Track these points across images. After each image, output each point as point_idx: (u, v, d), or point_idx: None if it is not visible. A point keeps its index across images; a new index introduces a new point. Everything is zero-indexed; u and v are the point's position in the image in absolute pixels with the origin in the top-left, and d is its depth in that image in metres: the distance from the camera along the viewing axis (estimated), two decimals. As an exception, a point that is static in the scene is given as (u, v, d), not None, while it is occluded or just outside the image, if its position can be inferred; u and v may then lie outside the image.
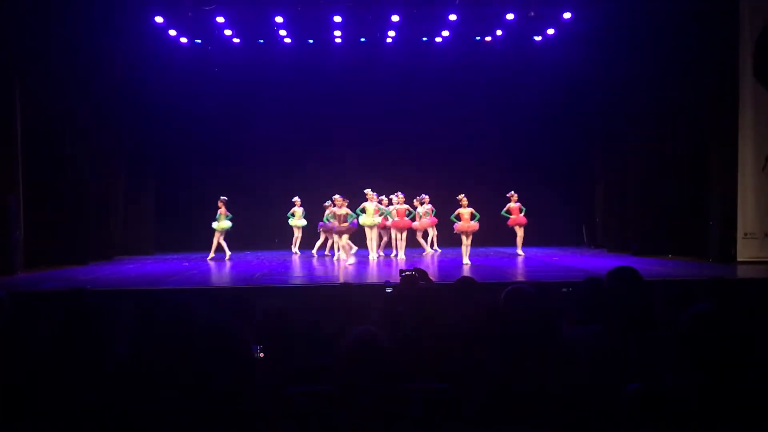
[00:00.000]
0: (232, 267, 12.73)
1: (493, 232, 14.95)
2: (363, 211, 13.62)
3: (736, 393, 2.13)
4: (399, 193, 14.04)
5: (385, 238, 14.55)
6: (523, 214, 14.06)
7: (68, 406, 2.42)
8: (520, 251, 14.11)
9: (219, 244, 14.16)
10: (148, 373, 2.57)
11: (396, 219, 13.75)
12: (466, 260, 12.53)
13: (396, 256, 13.75)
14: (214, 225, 14.12)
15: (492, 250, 15.31)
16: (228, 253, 14.21)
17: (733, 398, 2.13)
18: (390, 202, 14.19)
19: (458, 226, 12.99)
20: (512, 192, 14.16)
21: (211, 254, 14.08)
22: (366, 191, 13.80)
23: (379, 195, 14.11)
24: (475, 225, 12.98)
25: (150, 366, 2.62)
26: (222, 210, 14.08)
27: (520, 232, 14.13)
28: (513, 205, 14.04)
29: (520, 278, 10.08)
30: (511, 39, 16.05)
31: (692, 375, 2.15)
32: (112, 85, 14.42)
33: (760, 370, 2.71)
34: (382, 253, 14.33)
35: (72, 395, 2.50)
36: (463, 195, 13.21)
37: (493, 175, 16.76)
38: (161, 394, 2.36)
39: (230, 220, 14.14)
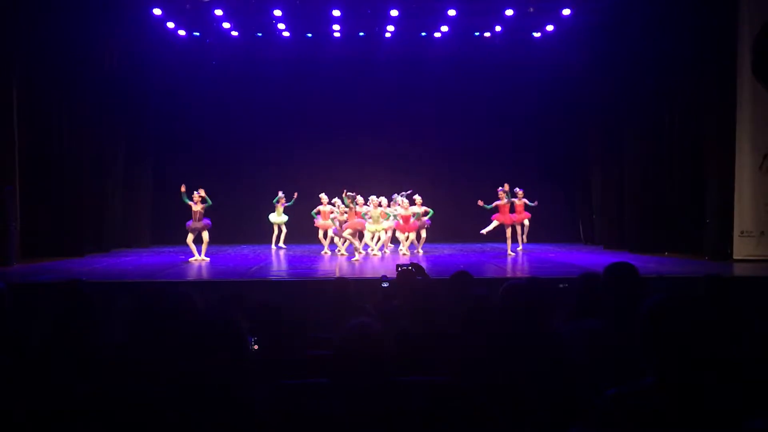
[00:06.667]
0: (229, 260, 12.72)
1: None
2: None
3: (718, 391, 2.13)
4: (404, 198, 13.88)
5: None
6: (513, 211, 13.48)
7: (65, 396, 2.42)
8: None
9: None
10: (143, 364, 2.57)
11: (401, 222, 13.70)
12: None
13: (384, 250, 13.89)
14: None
15: (488, 246, 15.32)
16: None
17: (715, 396, 2.13)
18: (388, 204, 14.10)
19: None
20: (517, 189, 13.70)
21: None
22: (371, 198, 13.74)
23: (378, 188, 14.14)
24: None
25: (145, 357, 2.63)
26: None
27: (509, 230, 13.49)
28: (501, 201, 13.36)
29: (517, 274, 10.09)
30: (510, 35, 16.04)
31: (670, 373, 2.15)
32: (109, 76, 14.37)
33: (750, 368, 2.72)
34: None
35: (69, 386, 2.50)
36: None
37: (490, 171, 16.75)
38: (156, 385, 2.36)
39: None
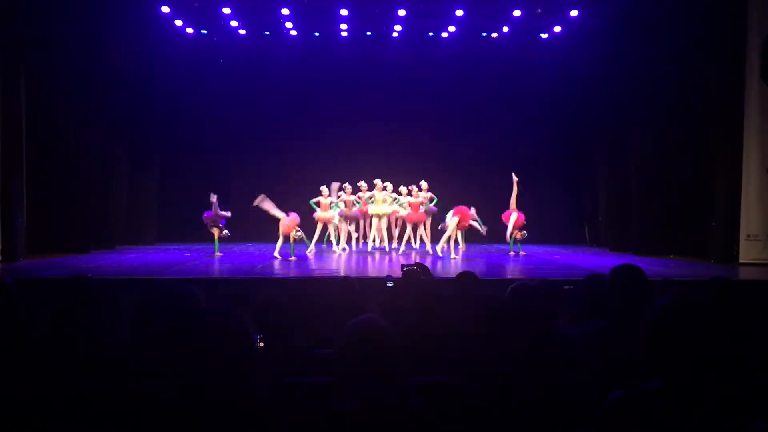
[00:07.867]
0: (234, 258, 12.73)
1: (496, 228, 14.86)
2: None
3: (720, 394, 2.12)
4: (414, 186, 13.94)
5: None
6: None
7: (66, 395, 2.42)
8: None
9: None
10: (146, 362, 2.57)
11: (410, 211, 13.76)
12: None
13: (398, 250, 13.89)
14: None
15: (494, 247, 15.29)
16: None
17: (718, 398, 2.12)
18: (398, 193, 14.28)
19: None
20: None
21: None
22: (376, 181, 13.98)
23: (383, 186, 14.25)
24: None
25: (148, 355, 2.63)
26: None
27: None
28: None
29: (522, 275, 10.07)
30: (517, 36, 16.01)
31: (674, 375, 2.14)
32: (116, 74, 14.40)
33: (753, 370, 2.71)
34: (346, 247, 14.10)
35: (70, 384, 2.50)
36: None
37: (494, 171, 16.71)
38: (159, 383, 2.37)
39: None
